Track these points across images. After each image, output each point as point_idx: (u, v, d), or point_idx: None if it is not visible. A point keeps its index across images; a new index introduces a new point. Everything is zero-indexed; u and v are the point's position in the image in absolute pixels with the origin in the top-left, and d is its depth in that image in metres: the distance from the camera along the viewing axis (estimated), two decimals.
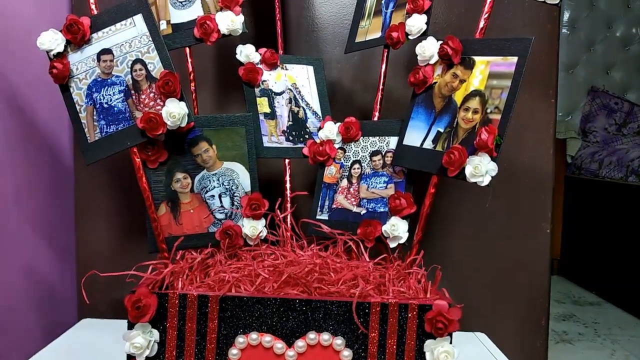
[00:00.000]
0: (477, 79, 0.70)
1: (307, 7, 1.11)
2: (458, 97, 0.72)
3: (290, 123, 0.88)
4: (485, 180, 0.65)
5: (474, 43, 0.71)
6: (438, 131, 0.73)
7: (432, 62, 0.75)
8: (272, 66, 0.88)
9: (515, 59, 0.66)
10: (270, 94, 0.88)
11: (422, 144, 0.74)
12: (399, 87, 1.05)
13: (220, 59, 1.08)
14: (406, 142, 0.76)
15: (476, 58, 0.71)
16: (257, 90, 0.87)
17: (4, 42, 0.87)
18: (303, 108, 0.90)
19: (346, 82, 1.13)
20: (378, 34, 0.86)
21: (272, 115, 0.87)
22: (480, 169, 0.64)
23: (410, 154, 0.75)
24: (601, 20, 3.48)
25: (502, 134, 0.65)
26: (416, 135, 0.75)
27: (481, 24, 0.73)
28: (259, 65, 0.87)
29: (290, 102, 0.89)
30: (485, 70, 0.69)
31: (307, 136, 0.88)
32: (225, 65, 1.08)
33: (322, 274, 0.65)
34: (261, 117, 0.86)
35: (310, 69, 0.92)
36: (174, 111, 0.69)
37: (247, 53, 0.85)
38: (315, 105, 0.90)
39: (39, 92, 0.98)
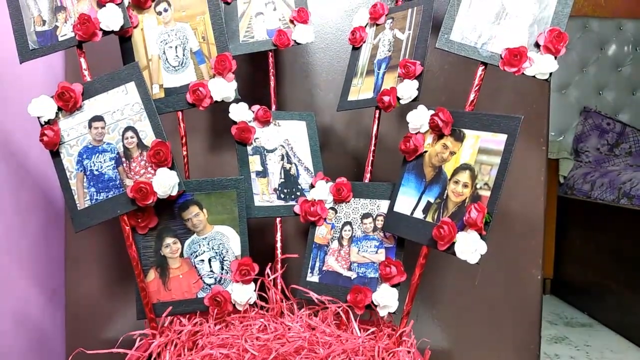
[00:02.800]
0: (467, 152, 0.71)
1: (301, 53, 1.11)
2: (448, 168, 0.72)
3: (282, 180, 0.88)
4: (475, 258, 0.65)
5: (464, 116, 0.72)
6: (428, 201, 0.73)
7: (422, 130, 0.76)
8: (265, 123, 0.88)
9: (504, 136, 0.67)
10: (262, 152, 0.88)
11: (412, 213, 0.74)
12: (391, 132, 1.07)
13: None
14: (397, 208, 0.77)
15: (466, 131, 0.71)
16: (249, 148, 0.87)
17: None
18: (295, 164, 0.90)
19: (339, 127, 1.14)
20: (370, 94, 0.87)
21: (264, 173, 0.87)
22: (470, 247, 0.65)
23: (401, 222, 0.75)
24: (593, 42, 3.52)
25: (492, 211, 0.66)
26: (407, 203, 0.76)
27: (471, 97, 0.73)
28: (252, 123, 0.87)
29: (282, 159, 0.89)
30: (475, 145, 0.70)
31: (298, 193, 0.88)
32: (218, 108, 1.08)
33: (312, 349, 0.65)
34: (253, 176, 0.86)
35: (303, 124, 0.93)
36: (165, 181, 0.69)
37: (239, 112, 0.85)
38: (307, 161, 0.91)
39: (31, 137, 0.98)
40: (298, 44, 0.92)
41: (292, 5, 0.94)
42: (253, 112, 0.88)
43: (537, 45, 0.71)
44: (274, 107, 0.93)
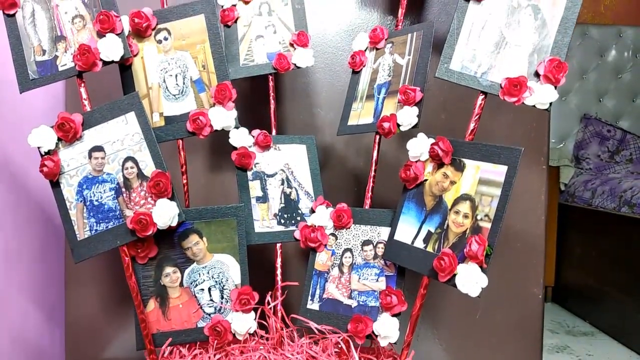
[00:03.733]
0: (467, 182, 0.71)
1: (301, 72, 1.12)
2: (448, 198, 0.72)
3: (282, 205, 0.88)
4: (476, 292, 0.65)
5: (464, 146, 0.72)
6: (429, 231, 0.73)
7: (422, 159, 0.76)
8: (266, 148, 0.88)
9: (505, 168, 0.67)
10: (262, 177, 0.88)
11: (413, 242, 0.74)
12: (391, 150, 1.07)
13: None
14: (397, 237, 0.76)
15: (466, 161, 0.71)
16: (249, 173, 0.87)
17: None
18: (295, 189, 0.90)
19: (339, 146, 1.14)
20: (370, 119, 0.87)
21: (264, 199, 0.87)
22: (471, 280, 0.65)
23: (401, 251, 0.75)
24: (593, 49, 3.53)
25: (493, 244, 0.66)
26: (407, 231, 0.75)
27: (471, 126, 0.73)
28: (252, 148, 0.87)
29: (282, 184, 0.89)
30: (475, 175, 0.70)
31: (299, 218, 0.88)
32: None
33: None
34: (253, 201, 0.86)
35: (303, 147, 0.92)
36: (165, 212, 0.69)
37: (240, 137, 0.85)
38: (308, 185, 0.90)
39: (30, 156, 0.98)
40: (298, 67, 0.92)
41: (292, 29, 0.94)
42: (253, 136, 0.87)
43: (536, 74, 0.71)
44: (274, 131, 0.92)
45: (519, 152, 0.66)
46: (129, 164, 0.72)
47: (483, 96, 0.74)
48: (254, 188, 0.86)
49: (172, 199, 0.71)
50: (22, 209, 0.98)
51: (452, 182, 0.72)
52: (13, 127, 0.95)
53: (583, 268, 2.87)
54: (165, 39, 0.77)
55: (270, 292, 0.80)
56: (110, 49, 0.71)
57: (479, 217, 0.68)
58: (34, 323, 1.01)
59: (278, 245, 0.87)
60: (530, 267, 1.14)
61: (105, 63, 0.72)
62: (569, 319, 2.89)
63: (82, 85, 0.74)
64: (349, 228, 0.83)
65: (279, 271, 0.85)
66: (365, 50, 0.93)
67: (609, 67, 3.55)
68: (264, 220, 0.86)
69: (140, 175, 0.72)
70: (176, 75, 0.77)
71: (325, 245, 0.84)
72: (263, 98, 0.97)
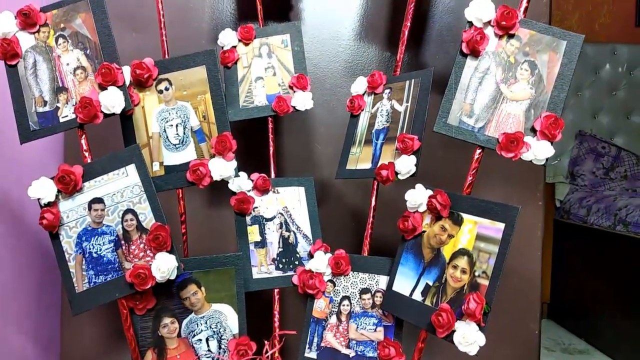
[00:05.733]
0: (465, 237, 0.71)
1: None
2: (446, 251, 0.73)
3: (280, 250, 0.88)
4: (474, 350, 0.65)
5: (462, 200, 0.73)
6: (427, 284, 0.73)
7: (420, 210, 0.76)
8: (264, 192, 0.89)
9: (502, 225, 0.68)
10: (261, 221, 0.88)
11: (411, 294, 0.75)
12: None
13: None
14: (396, 287, 0.77)
15: (464, 216, 0.72)
16: (248, 218, 0.87)
17: None
18: (294, 232, 0.90)
19: (337, 182, 1.14)
20: (368, 165, 0.88)
21: (262, 244, 0.87)
22: (468, 338, 0.65)
23: (399, 303, 0.75)
24: (588, 66, 3.57)
25: (490, 302, 0.66)
26: (405, 283, 0.76)
27: (469, 180, 0.74)
28: (251, 193, 0.88)
29: (280, 227, 0.89)
30: (473, 230, 0.71)
31: (297, 262, 0.88)
32: None
33: None
34: (251, 247, 0.86)
35: (302, 189, 0.93)
36: (164, 266, 0.69)
37: (239, 183, 0.85)
38: (306, 228, 0.91)
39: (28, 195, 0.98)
40: (297, 110, 0.93)
41: (292, 71, 0.95)
42: (252, 180, 0.88)
43: (533, 129, 0.72)
44: (273, 174, 0.93)
45: (516, 210, 0.67)
46: (129, 216, 0.72)
47: (480, 150, 0.74)
48: (253, 233, 0.87)
49: (171, 251, 0.71)
50: (20, 243, 0.98)
51: (450, 236, 0.73)
52: (12, 164, 0.95)
53: (579, 285, 2.89)
54: (167, 89, 0.78)
55: (268, 342, 0.80)
56: (112, 101, 0.72)
57: (476, 274, 0.68)
58: (31, 356, 1.00)
59: (276, 291, 0.87)
60: (527, 302, 1.15)
61: (106, 115, 0.73)
62: (565, 337, 2.89)
63: (83, 136, 0.74)
64: (347, 275, 0.84)
65: (276, 317, 0.85)
66: (363, 94, 0.94)
67: (604, 84, 3.59)
68: (262, 265, 0.86)
69: (140, 227, 0.72)
70: (177, 125, 0.78)
71: (324, 292, 0.84)
72: (261, 135, 0.98)
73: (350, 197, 1.15)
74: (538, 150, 0.71)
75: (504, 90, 0.74)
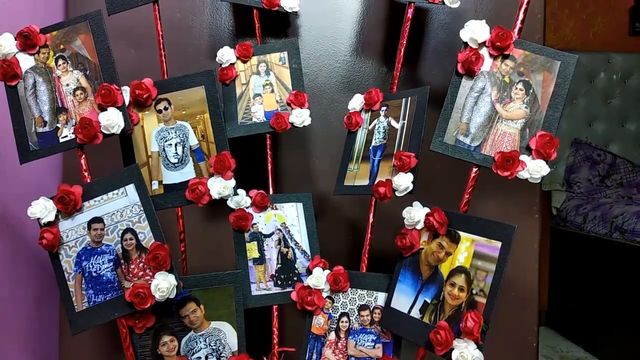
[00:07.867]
0: (462, 255, 0.72)
1: None
2: (444, 269, 0.73)
3: (279, 266, 0.88)
4: None
5: (459, 218, 0.73)
6: (425, 301, 0.74)
7: (418, 227, 0.77)
8: (263, 209, 0.89)
9: (499, 244, 0.68)
10: (259, 237, 0.89)
11: (409, 311, 0.75)
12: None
13: None
14: (394, 304, 0.77)
15: (462, 234, 0.73)
16: (247, 235, 0.87)
17: None
18: (292, 248, 0.91)
19: (335, 196, 1.15)
20: (366, 181, 0.88)
21: (261, 260, 0.88)
22: (467, 356, 0.65)
23: (398, 320, 0.76)
24: (583, 75, 3.60)
25: (488, 320, 0.67)
26: (404, 300, 0.76)
27: (465, 198, 0.75)
28: (249, 209, 0.88)
29: (279, 243, 0.90)
30: (470, 248, 0.71)
31: (295, 278, 0.89)
32: None
33: None
34: (250, 264, 0.86)
35: (300, 206, 0.93)
36: (163, 285, 0.70)
37: (238, 200, 0.86)
38: (305, 243, 0.91)
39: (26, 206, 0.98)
40: (295, 127, 0.94)
41: (290, 88, 0.96)
42: (251, 197, 0.88)
43: (528, 148, 0.73)
44: (271, 190, 0.93)
45: (513, 229, 0.68)
46: (128, 235, 0.72)
47: (476, 169, 0.75)
48: (251, 249, 0.87)
49: (170, 271, 0.72)
50: (19, 258, 0.98)
51: (448, 253, 0.73)
52: (11, 182, 0.95)
53: (576, 292, 2.89)
54: (166, 108, 0.79)
55: (267, 359, 0.80)
56: (112, 122, 0.72)
57: (474, 292, 0.69)
58: None
59: (274, 307, 0.88)
60: (524, 315, 1.15)
61: (106, 136, 0.73)
62: (563, 344, 2.89)
63: (83, 156, 0.75)
64: (345, 291, 0.84)
65: (275, 334, 0.85)
66: (360, 111, 0.95)
67: (599, 92, 3.62)
68: (261, 282, 0.86)
69: (139, 246, 0.72)
70: (176, 145, 0.78)
71: (322, 309, 0.84)
72: (260, 151, 0.98)
73: (348, 211, 1.15)
74: (533, 169, 0.72)
75: (500, 109, 0.75)
